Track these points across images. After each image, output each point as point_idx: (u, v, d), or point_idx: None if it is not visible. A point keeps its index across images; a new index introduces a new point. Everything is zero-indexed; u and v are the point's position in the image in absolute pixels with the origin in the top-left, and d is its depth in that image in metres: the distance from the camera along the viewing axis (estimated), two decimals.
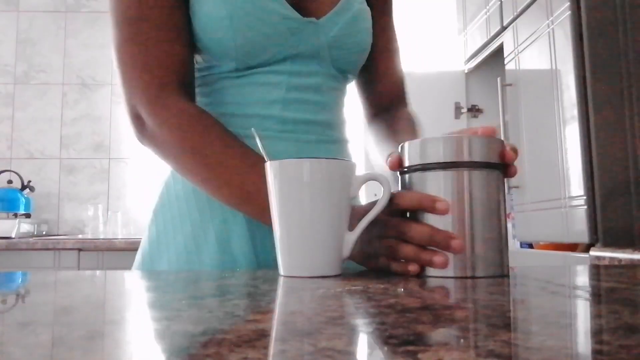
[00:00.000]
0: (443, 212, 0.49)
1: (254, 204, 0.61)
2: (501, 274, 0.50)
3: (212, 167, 0.63)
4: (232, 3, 0.64)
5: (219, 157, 0.63)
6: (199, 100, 0.72)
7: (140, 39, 0.64)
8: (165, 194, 0.72)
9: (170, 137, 0.64)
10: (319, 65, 0.71)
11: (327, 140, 0.72)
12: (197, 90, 0.72)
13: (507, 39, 1.78)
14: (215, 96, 0.71)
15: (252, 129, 0.57)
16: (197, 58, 0.71)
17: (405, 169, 0.53)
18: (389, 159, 0.54)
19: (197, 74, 0.72)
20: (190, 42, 0.68)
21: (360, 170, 0.53)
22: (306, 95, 0.70)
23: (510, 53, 1.74)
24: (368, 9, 0.76)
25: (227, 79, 0.69)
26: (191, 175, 0.65)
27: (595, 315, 0.33)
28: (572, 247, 1.48)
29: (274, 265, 0.57)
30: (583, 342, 0.27)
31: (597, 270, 0.65)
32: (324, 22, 0.70)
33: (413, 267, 0.50)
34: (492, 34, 1.90)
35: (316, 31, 0.69)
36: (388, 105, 0.84)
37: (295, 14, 0.67)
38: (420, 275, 0.50)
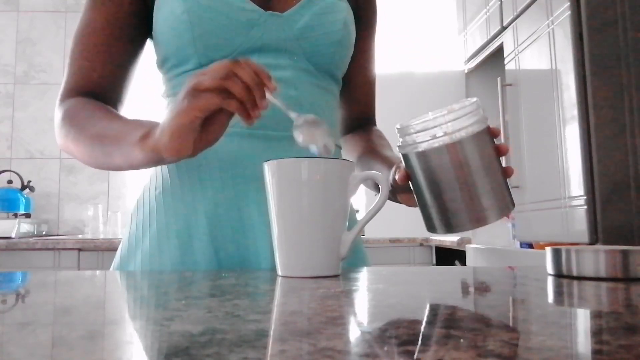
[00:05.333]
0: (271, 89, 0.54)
1: (124, 145, 0.60)
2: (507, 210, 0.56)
3: (84, 138, 0.65)
4: None
5: (90, 127, 0.66)
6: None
7: (74, 51, 0.72)
8: (141, 197, 0.73)
9: (61, 122, 0.69)
10: (290, 58, 0.70)
11: None
12: (169, 97, 0.72)
13: (507, 39, 1.78)
14: None
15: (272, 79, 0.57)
16: (164, 67, 0.72)
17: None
18: (397, 174, 0.58)
19: (166, 82, 0.73)
20: (129, 49, 0.72)
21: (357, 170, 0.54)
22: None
23: (510, 53, 1.74)
24: (345, 4, 0.75)
25: None
26: (82, 154, 0.66)
27: (595, 315, 0.33)
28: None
29: (236, 267, 0.56)
30: (583, 342, 0.27)
31: None
32: (289, 15, 0.70)
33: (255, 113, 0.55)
34: (492, 34, 1.90)
35: (280, 24, 0.69)
36: (359, 123, 0.87)
37: (253, 6, 0.68)
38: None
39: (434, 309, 0.33)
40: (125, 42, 0.72)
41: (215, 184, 0.66)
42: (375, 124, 0.89)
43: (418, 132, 0.54)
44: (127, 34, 0.71)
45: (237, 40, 0.67)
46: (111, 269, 0.72)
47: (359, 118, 0.87)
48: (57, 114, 0.71)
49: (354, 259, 0.73)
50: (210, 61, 0.67)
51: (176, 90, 0.71)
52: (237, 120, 0.66)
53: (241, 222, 0.65)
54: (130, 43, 0.72)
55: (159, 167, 0.72)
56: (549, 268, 0.53)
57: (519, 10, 1.68)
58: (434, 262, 2.35)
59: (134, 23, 0.72)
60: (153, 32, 0.72)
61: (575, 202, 1.36)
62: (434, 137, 0.54)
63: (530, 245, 1.74)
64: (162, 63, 0.73)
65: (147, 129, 0.58)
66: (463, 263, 2.06)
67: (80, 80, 0.71)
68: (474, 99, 0.56)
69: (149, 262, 0.67)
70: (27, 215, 2.53)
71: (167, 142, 0.53)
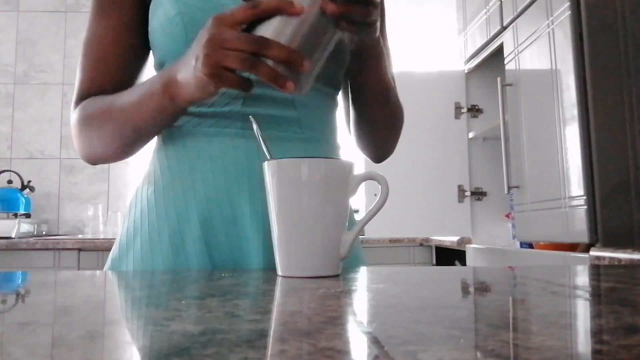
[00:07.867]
0: (299, 12, 0.53)
1: (160, 95, 0.62)
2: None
3: (113, 112, 0.67)
4: (184, 1, 0.66)
5: (112, 103, 0.68)
6: None
7: (83, 61, 0.74)
8: (134, 198, 0.73)
9: (79, 121, 0.71)
10: None
11: (297, 138, 0.70)
12: None
13: (507, 39, 1.78)
14: None
15: (251, 117, 0.58)
16: (161, 70, 0.72)
17: None
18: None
19: None
20: (135, 56, 0.74)
21: (358, 170, 0.53)
22: (269, 90, 0.67)
23: (510, 53, 1.74)
24: None
25: None
26: (113, 132, 0.68)
27: (595, 315, 0.33)
28: (572, 247, 1.48)
29: (229, 268, 0.56)
30: (583, 342, 0.27)
31: (597, 270, 0.65)
32: None
33: (290, 85, 0.53)
34: (492, 34, 1.90)
35: None
36: None
37: None
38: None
39: (434, 309, 0.33)
40: (133, 48, 0.73)
41: (207, 183, 0.66)
42: None
43: None
44: (133, 41, 0.72)
45: None
46: (104, 270, 0.72)
47: None
48: (73, 117, 0.73)
49: (351, 260, 0.73)
50: None
51: None
52: (230, 121, 0.67)
53: (234, 221, 0.65)
54: (137, 49, 0.73)
55: (152, 168, 0.72)
56: None
57: (519, 10, 1.68)
58: (434, 262, 2.35)
59: (140, 30, 0.72)
60: (149, 37, 0.72)
61: (575, 202, 1.36)
62: None
63: (530, 245, 1.74)
64: (159, 66, 0.73)
65: (166, 79, 0.61)
66: (463, 263, 2.07)
67: (92, 88, 0.73)
68: None
69: (141, 263, 0.67)
70: (27, 215, 2.53)
71: (194, 92, 0.57)
